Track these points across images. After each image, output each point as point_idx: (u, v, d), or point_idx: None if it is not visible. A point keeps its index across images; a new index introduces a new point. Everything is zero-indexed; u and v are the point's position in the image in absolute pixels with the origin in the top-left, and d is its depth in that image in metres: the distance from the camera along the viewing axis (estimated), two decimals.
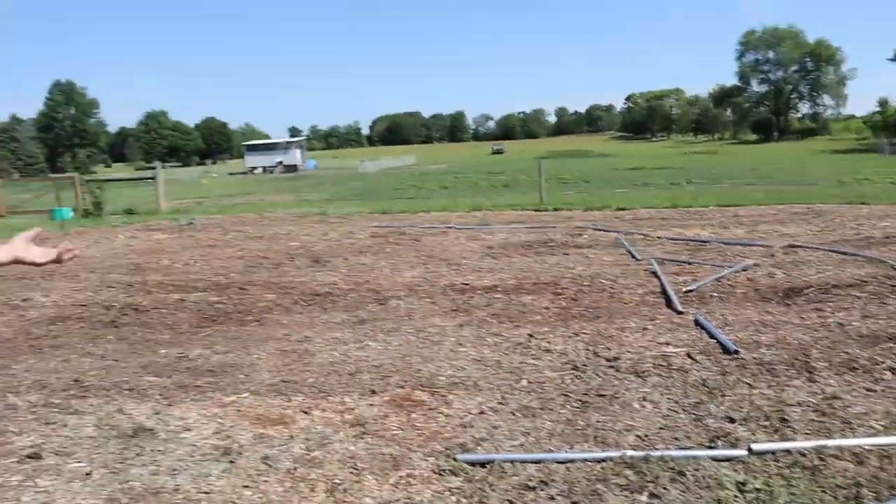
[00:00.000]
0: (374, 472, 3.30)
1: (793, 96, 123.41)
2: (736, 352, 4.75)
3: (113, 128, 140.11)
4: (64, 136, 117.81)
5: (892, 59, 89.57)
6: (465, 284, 7.38)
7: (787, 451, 3.25)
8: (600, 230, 11.07)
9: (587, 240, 10.23)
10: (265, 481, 3.26)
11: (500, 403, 4.10)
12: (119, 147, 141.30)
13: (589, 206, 14.80)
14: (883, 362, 4.46)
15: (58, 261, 2.06)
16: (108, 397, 4.49)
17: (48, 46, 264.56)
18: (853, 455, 3.19)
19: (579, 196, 18.75)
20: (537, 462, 3.28)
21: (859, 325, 5.32)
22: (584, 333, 5.47)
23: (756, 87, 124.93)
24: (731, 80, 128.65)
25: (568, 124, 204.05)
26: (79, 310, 7.08)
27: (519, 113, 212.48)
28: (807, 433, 3.49)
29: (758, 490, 2.97)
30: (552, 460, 3.30)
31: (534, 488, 3.06)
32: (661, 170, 39.65)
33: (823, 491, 2.93)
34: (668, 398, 4.07)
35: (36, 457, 3.64)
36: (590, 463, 3.27)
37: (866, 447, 3.25)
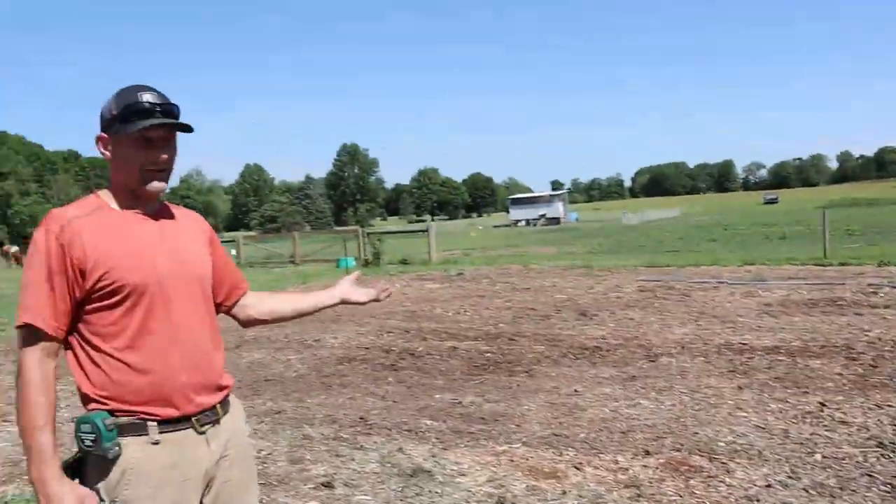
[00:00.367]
0: None
1: None
2: None
3: (389, 184, 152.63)
4: (348, 193, 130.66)
5: None
6: (743, 344, 6.90)
7: None
8: None
9: (884, 299, 9.12)
10: None
11: (791, 478, 3.73)
12: (394, 202, 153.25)
13: (884, 261, 13.21)
14: None
15: (376, 299, 2.23)
16: (390, 436, 4.78)
17: (337, 116, 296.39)
18: None
19: (870, 250, 16.83)
20: None
21: None
22: (889, 406, 4.84)
23: None
24: None
25: (852, 170, 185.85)
26: (362, 352, 7.67)
27: (794, 159, 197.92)
28: None
29: None
30: None
31: None
32: None
33: None
34: None
35: (329, 486, 3.97)
36: None
37: None
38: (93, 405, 1.68)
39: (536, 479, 3.88)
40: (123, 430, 1.66)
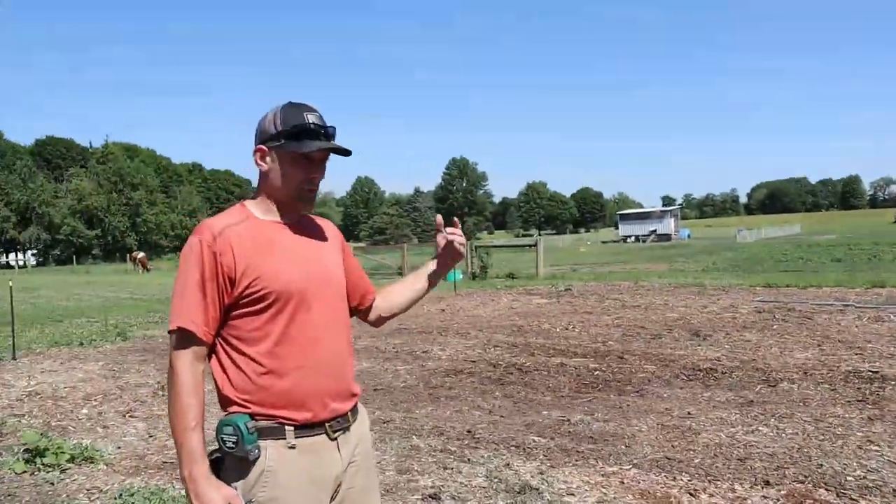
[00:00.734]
0: None
1: None
2: None
3: (497, 198, 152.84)
4: (456, 206, 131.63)
5: None
6: (873, 372, 6.48)
7: None
8: None
9: None
10: None
11: None
12: (501, 215, 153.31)
13: None
14: None
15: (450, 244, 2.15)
16: (497, 451, 4.75)
17: (446, 133, 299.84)
18: None
19: None
20: None
21: None
22: None
23: None
24: None
25: None
26: (469, 365, 7.69)
27: None
28: None
29: None
30: None
31: None
32: None
33: None
34: None
35: (436, 497, 3.98)
36: None
37: None
38: (234, 408, 1.75)
39: None
40: (263, 434, 1.73)
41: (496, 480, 4.18)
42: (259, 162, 1.84)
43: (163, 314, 14.30)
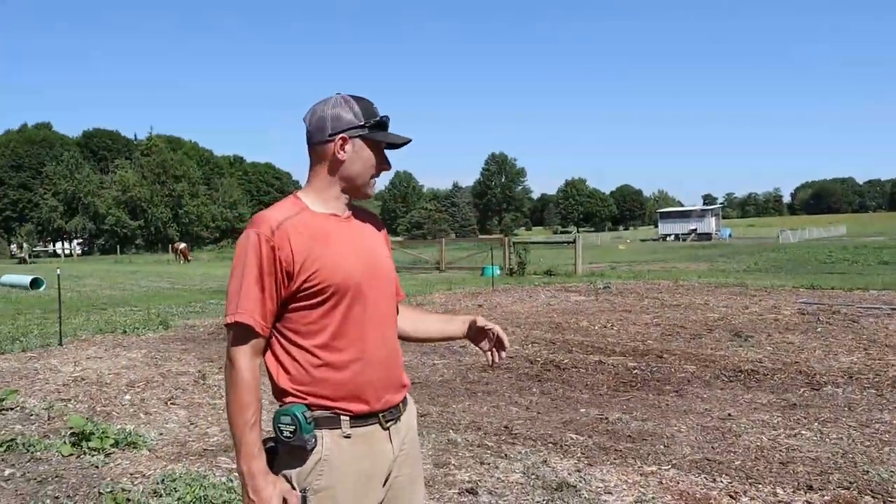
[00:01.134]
0: None
1: None
2: None
3: (535, 194, 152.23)
4: (494, 202, 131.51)
5: None
6: None
7: None
8: None
9: None
10: None
11: None
12: (538, 212, 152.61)
13: None
14: None
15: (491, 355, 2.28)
16: (534, 447, 4.73)
17: (486, 129, 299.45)
18: None
19: None
20: None
21: None
22: None
23: None
24: None
25: None
26: (507, 361, 7.66)
27: None
28: None
29: None
30: None
31: None
32: None
33: None
34: None
35: (473, 492, 3.98)
36: None
37: None
38: (290, 399, 1.77)
39: None
40: (319, 423, 1.75)
41: (533, 477, 4.16)
42: (339, 150, 1.83)
43: (203, 304, 14.53)
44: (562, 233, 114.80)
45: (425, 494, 2.09)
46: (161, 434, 5.25)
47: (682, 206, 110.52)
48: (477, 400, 6.09)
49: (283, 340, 1.78)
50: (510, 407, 5.84)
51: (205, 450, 4.86)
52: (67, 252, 68.86)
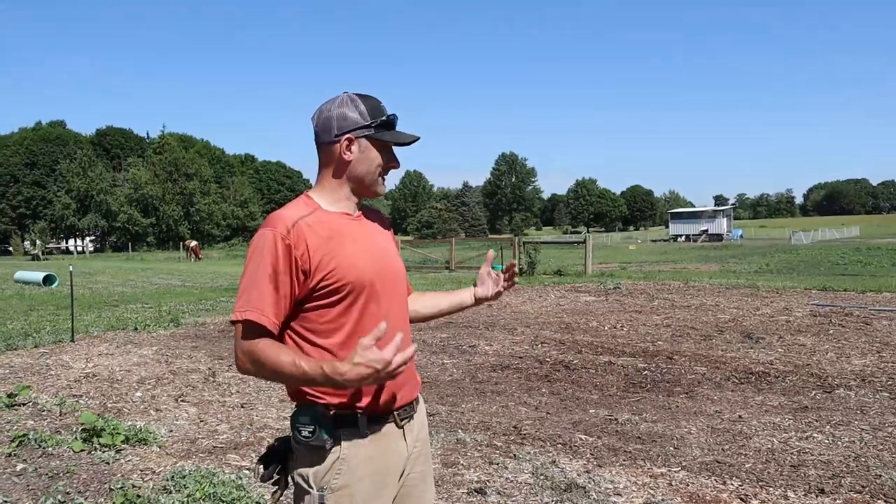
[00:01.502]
0: None
1: None
2: None
3: (546, 194, 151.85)
4: (504, 202, 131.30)
5: None
6: None
7: None
8: None
9: None
10: None
11: None
12: (549, 212, 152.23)
13: None
14: None
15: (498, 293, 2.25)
16: (544, 448, 4.72)
17: (497, 125, 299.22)
18: None
19: None
20: None
21: None
22: None
23: None
24: None
25: None
26: (516, 361, 7.66)
27: None
28: None
29: None
30: None
31: None
32: None
33: None
34: None
35: (481, 492, 3.97)
36: None
37: None
38: (308, 398, 1.77)
39: None
40: (337, 423, 1.75)
41: (542, 477, 4.15)
42: (345, 151, 1.82)
43: (213, 301, 14.58)
44: (572, 233, 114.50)
45: (435, 492, 2.09)
46: (171, 431, 5.27)
47: (693, 206, 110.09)
48: (486, 400, 6.09)
49: (299, 340, 1.77)
50: (519, 407, 5.83)
51: (214, 447, 4.88)
52: (80, 249, 69.32)
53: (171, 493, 3.94)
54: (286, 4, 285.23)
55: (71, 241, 73.48)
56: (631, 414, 5.52)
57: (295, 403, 1.81)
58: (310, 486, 1.74)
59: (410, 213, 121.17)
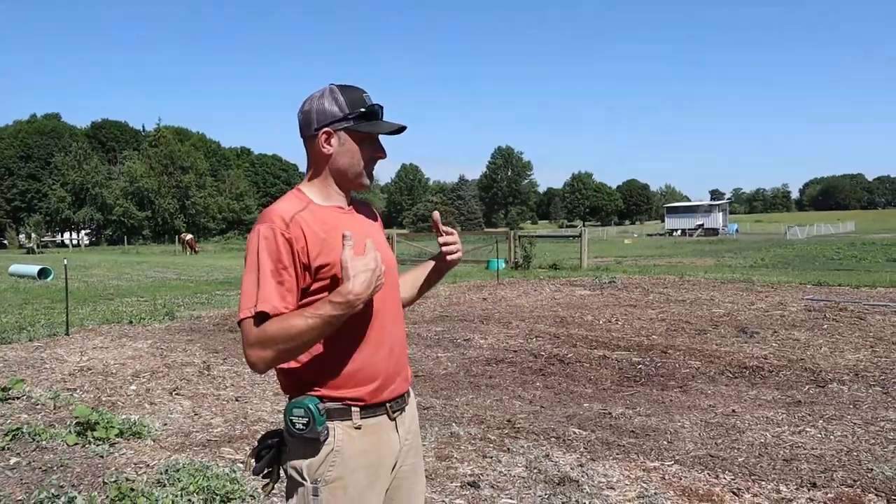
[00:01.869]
0: None
1: None
2: None
3: (542, 188, 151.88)
4: (500, 196, 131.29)
5: None
6: None
7: None
8: None
9: None
10: None
11: None
12: (544, 205, 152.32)
13: None
14: None
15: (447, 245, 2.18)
16: (537, 442, 4.74)
17: (494, 116, 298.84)
18: None
19: None
20: None
21: None
22: None
23: None
24: None
25: None
26: (511, 354, 7.67)
27: None
28: None
29: None
30: None
31: None
32: None
33: None
34: None
35: (475, 486, 3.98)
36: None
37: None
38: (301, 391, 1.77)
39: (690, 501, 3.72)
40: (330, 415, 1.76)
41: (535, 471, 4.16)
42: (324, 144, 1.81)
43: (209, 295, 14.57)
44: (568, 227, 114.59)
45: (425, 484, 2.10)
46: (165, 424, 5.27)
47: (689, 201, 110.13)
48: (480, 393, 6.10)
49: None
50: (513, 401, 5.84)
51: (208, 440, 4.88)
52: (75, 242, 69.10)
53: (165, 486, 3.94)
54: None
55: (66, 235, 73.28)
56: (625, 408, 5.53)
57: (288, 396, 1.81)
58: (303, 479, 1.74)
59: (406, 206, 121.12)
